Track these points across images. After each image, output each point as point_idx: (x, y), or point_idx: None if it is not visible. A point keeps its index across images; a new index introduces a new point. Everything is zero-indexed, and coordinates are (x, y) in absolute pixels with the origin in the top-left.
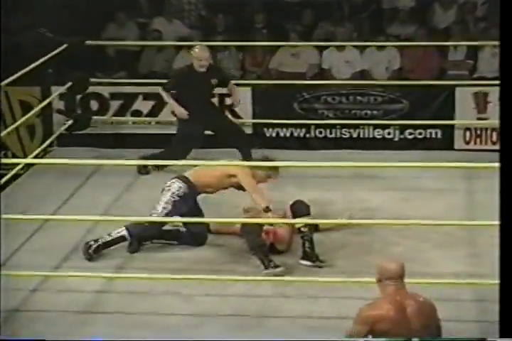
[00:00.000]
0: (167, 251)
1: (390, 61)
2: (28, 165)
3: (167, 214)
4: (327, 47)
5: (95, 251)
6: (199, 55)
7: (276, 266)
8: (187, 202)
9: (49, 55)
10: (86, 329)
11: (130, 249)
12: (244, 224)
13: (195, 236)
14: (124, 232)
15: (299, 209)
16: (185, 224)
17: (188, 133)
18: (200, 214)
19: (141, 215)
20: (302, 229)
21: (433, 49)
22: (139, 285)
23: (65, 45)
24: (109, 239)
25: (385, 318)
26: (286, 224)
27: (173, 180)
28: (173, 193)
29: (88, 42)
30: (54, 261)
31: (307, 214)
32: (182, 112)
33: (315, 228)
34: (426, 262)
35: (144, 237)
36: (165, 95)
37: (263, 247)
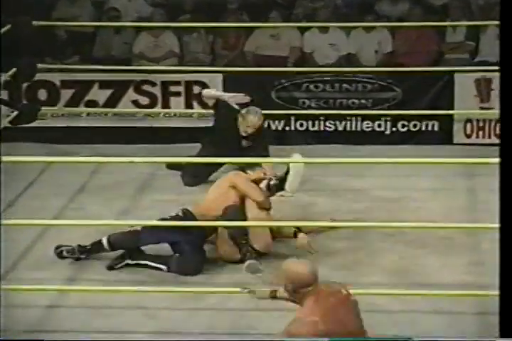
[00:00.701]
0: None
1: (380, 44)
2: None
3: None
4: (309, 28)
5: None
6: (252, 121)
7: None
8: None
9: None
10: None
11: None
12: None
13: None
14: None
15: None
16: (176, 250)
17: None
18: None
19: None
20: None
21: (429, 30)
22: (94, 299)
23: (8, 26)
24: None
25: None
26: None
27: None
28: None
29: (36, 22)
30: None
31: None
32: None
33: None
34: (422, 271)
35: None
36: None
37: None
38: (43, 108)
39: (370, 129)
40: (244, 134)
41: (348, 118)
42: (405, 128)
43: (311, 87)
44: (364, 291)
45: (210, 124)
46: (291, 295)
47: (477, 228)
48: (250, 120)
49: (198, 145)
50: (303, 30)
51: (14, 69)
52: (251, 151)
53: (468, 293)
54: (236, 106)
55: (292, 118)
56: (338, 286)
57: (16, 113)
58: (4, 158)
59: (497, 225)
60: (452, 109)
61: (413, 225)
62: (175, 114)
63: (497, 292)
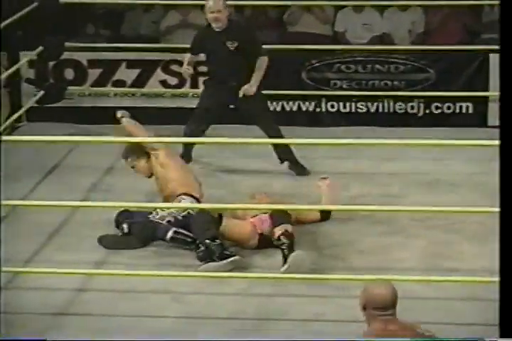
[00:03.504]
0: (154, 244)
1: (413, 23)
2: None
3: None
4: (342, 7)
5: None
6: (210, 5)
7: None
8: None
9: (17, 15)
10: (61, 334)
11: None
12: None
13: None
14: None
15: (279, 218)
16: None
17: (204, 106)
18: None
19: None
20: (282, 238)
21: (464, 8)
22: (122, 283)
23: (35, 4)
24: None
25: None
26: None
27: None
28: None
29: (62, 0)
30: (25, 254)
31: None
32: (185, 70)
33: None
34: (454, 257)
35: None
36: (186, 59)
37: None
38: (69, 87)
39: (402, 111)
40: (217, 27)
41: (380, 99)
42: (439, 110)
43: (343, 67)
44: (390, 277)
45: None
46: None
47: (477, 211)
48: (210, 4)
49: (225, 125)
50: (336, 9)
51: (41, 48)
52: (234, 39)
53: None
54: None
55: (323, 99)
56: (415, 324)
57: (42, 92)
58: (4, 138)
59: (495, 209)
60: (487, 90)
61: (411, 209)
62: None
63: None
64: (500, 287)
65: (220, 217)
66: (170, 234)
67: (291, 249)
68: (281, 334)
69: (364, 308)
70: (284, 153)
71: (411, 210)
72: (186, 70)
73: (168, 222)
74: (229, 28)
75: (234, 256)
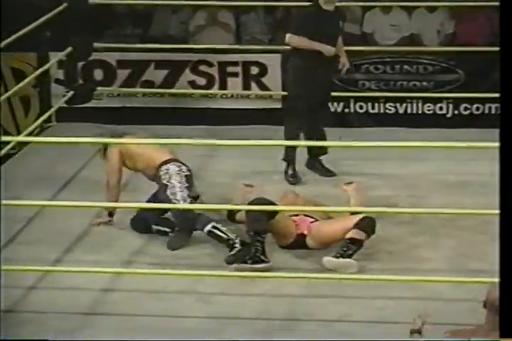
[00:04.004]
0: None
1: (442, 24)
2: (22, 144)
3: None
4: (370, 8)
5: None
6: None
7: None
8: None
9: (47, 16)
10: (89, 333)
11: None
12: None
13: None
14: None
15: (367, 227)
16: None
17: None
18: None
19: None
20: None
21: (494, 9)
22: (149, 283)
23: (65, 5)
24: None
25: None
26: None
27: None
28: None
29: (91, 1)
30: (54, 254)
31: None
32: (330, 49)
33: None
34: (484, 257)
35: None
36: (296, 39)
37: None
38: (98, 88)
39: (431, 112)
40: (329, 7)
41: (409, 100)
42: (468, 111)
43: (371, 68)
44: (418, 278)
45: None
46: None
47: (477, 214)
48: None
49: (254, 127)
50: (365, 9)
51: (70, 49)
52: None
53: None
54: None
55: (352, 100)
56: None
57: (71, 93)
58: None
59: (497, 211)
60: None
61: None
62: (232, 95)
63: None
64: (500, 287)
65: (275, 211)
66: (208, 227)
67: (348, 255)
68: (307, 335)
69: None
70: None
71: (408, 212)
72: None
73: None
74: (338, 9)
75: (267, 262)
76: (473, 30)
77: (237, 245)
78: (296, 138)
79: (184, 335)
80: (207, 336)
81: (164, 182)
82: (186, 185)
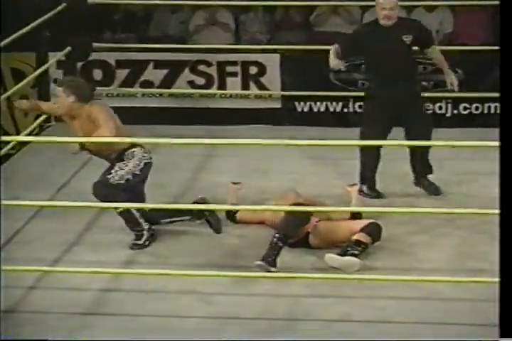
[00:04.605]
0: (182, 243)
1: (441, 23)
2: (21, 144)
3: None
4: (369, 7)
5: None
6: (382, 2)
7: (272, 266)
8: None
9: (46, 16)
10: (89, 333)
11: None
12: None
13: None
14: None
15: (373, 232)
16: None
17: (374, 109)
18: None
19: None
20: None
21: (494, 8)
22: (149, 283)
23: (64, 5)
24: None
25: None
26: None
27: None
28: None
29: (90, 1)
30: (53, 254)
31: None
32: (335, 63)
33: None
34: (483, 257)
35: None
36: (332, 51)
37: (287, 240)
38: (97, 88)
39: (430, 112)
40: (388, 22)
41: None
42: (467, 111)
43: None
44: (418, 278)
45: None
46: None
47: (476, 213)
48: (381, 2)
49: (253, 126)
50: (364, 9)
51: (69, 49)
52: (408, 33)
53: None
54: None
55: (351, 100)
56: None
57: None
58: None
59: (497, 211)
60: None
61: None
62: (231, 95)
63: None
64: (500, 288)
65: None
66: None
67: (351, 254)
68: (308, 335)
69: None
70: (423, 166)
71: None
72: (338, 64)
73: (127, 180)
74: (399, 23)
75: (274, 267)
76: (472, 29)
77: (144, 235)
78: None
79: (184, 335)
80: (207, 336)
81: (121, 163)
82: (139, 170)
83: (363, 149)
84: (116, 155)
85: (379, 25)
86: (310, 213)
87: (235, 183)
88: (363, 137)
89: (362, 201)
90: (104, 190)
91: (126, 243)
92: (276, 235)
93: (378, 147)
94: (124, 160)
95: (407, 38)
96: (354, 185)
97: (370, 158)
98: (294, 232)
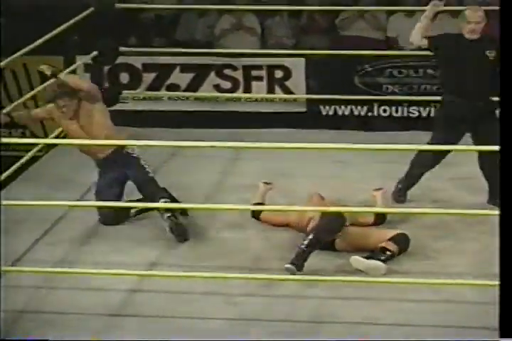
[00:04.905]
0: (207, 246)
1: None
2: (49, 146)
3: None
4: (394, 12)
5: None
6: (469, 15)
7: (300, 269)
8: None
9: (74, 20)
10: (113, 335)
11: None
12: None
13: None
14: None
15: (401, 242)
16: None
17: (448, 118)
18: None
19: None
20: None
21: None
22: (175, 285)
23: (91, 9)
24: None
25: None
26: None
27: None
28: None
29: (118, 5)
30: (78, 255)
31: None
32: (417, 40)
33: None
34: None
35: None
36: (418, 26)
37: (320, 245)
38: (124, 91)
39: None
40: (473, 36)
41: (432, 104)
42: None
43: (395, 72)
44: (441, 281)
45: None
46: None
47: (477, 214)
48: (469, 14)
49: (278, 130)
50: (389, 13)
51: (96, 52)
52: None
53: None
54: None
55: (375, 104)
56: None
57: None
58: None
59: (497, 212)
60: None
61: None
62: (256, 99)
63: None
64: (501, 287)
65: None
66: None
67: (377, 259)
68: (332, 337)
69: None
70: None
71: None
72: (418, 41)
73: None
74: (484, 37)
75: (301, 270)
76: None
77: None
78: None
79: (209, 336)
80: (232, 337)
81: (135, 155)
82: None
83: (420, 152)
84: (112, 152)
85: (463, 37)
86: (345, 218)
87: (266, 183)
88: (434, 143)
89: (386, 206)
90: (153, 187)
91: (153, 245)
92: (309, 238)
93: (441, 154)
94: (132, 156)
95: (491, 53)
96: (380, 189)
97: (423, 164)
98: (328, 237)
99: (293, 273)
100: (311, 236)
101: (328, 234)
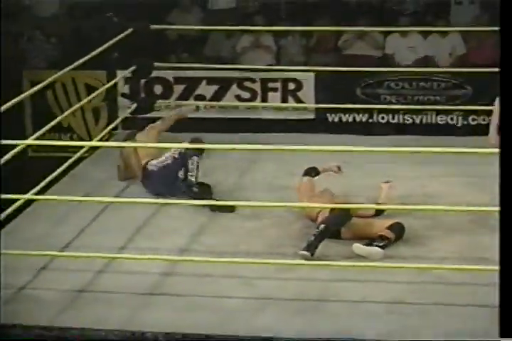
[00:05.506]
0: (228, 235)
1: (453, 47)
2: (93, 148)
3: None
4: (391, 32)
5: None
6: None
7: (312, 255)
8: None
9: (115, 40)
10: (147, 311)
11: None
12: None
13: None
14: None
15: (397, 231)
16: None
17: None
18: None
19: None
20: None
21: (497, 34)
22: (200, 268)
23: (130, 30)
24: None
25: None
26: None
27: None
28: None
29: (152, 26)
30: (119, 242)
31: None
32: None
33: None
34: (485, 248)
35: None
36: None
37: (329, 234)
38: (158, 101)
39: (443, 122)
40: None
41: (424, 112)
42: (475, 122)
43: (392, 84)
44: (431, 266)
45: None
46: None
47: (478, 210)
48: None
49: (290, 134)
50: (386, 34)
51: (134, 67)
52: None
53: None
54: None
55: (375, 112)
56: None
57: (135, 105)
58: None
59: (497, 208)
60: None
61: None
62: (272, 107)
63: None
64: (501, 287)
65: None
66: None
67: (375, 245)
68: (336, 314)
69: None
70: None
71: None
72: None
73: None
74: None
75: (313, 256)
76: (481, 51)
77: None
78: None
79: (229, 313)
80: (248, 314)
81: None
82: None
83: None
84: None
85: None
86: (350, 213)
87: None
88: None
89: (389, 197)
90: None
91: (181, 232)
92: (320, 229)
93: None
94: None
95: None
96: (388, 182)
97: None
98: (337, 227)
99: (306, 259)
100: (322, 228)
101: (336, 226)
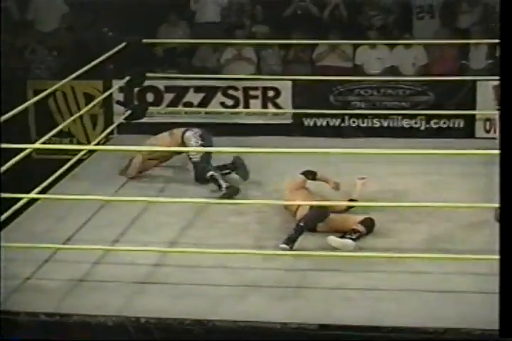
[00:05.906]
0: (215, 228)
1: (416, 58)
2: (91, 151)
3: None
4: (360, 45)
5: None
6: None
7: (292, 248)
8: None
9: (110, 52)
10: (141, 298)
11: None
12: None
13: None
14: None
15: (368, 225)
16: None
17: None
18: None
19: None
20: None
21: (456, 46)
22: (189, 259)
23: (124, 43)
24: None
25: None
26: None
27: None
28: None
29: (145, 40)
30: (115, 236)
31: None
32: None
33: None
34: (451, 239)
35: None
36: None
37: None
38: (150, 108)
39: (408, 126)
40: None
41: (391, 117)
42: (437, 125)
43: (362, 92)
44: (399, 255)
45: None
46: None
47: (478, 207)
48: None
49: (270, 137)
50: (357, 46)
51: (128, 77)
52: None
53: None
54: None
55: (346, 116)
56: None
57: (129, 112)
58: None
59: (497, 205)
60: (475, 109)
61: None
62: (253, 113)
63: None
64: (501, 287)
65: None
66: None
67: (348, 238)
68: (314, 299)
69: None
70: None
71: (416, 206)
72: None
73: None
74: None
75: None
76: (442, 62)
77: (223, 188)
78: None
79: (217, 299)
80: (234, 300)
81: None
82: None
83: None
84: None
85: None
86: (328, 211)
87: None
88: None
89: (361, 193)
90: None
91: (172, 226)
92: (301, 224)
93: None
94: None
95: None
96: (363, 178)
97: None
98: (315, 223)
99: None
100: (301, 223)
101: (315, 222)
